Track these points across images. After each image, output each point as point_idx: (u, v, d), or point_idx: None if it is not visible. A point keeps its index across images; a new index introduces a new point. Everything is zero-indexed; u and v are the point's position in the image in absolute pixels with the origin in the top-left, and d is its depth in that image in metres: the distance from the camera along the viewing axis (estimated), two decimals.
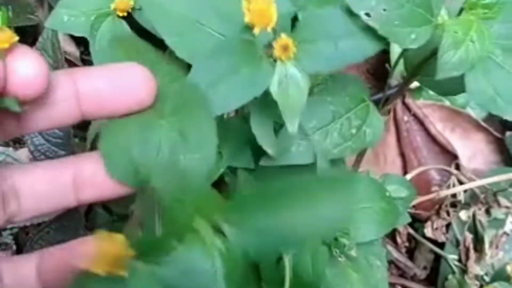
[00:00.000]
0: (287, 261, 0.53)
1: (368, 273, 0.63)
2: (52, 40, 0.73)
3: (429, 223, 0.87)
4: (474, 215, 0.84)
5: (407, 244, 0.89)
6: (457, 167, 0.91)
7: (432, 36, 0.47)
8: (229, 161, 0.57)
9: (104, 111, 0.39)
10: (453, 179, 0.89)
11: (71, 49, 0.88)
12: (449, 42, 0.44)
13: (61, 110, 0.38)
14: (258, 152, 0.55)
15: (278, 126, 0.53)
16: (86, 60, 0.90)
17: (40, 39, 0.75)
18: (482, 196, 0.85)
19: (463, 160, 0.92)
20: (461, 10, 0.48)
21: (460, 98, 0.95)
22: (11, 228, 0.76)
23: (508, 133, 0.93)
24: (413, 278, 0.89)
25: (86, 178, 0.41)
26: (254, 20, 0.42)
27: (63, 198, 0.41)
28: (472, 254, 0.82)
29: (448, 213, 0.87)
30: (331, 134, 0.53)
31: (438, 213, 0.87)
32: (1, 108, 0.34)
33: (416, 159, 0.92)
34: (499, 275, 0.79)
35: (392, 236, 0.89)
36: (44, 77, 0.35)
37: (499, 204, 0.83)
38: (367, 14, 0.44)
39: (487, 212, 0.84)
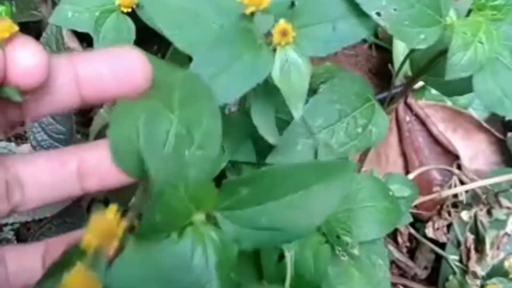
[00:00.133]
0: (288, 259, 0.53)
1: (370, 272, 0.63)
2: (56, 36, 0.73)
3: (430, 223, 0.87)
4: (475, 216, 0.84)
5: (408, 244, 0.89)
6: (459, 167, 0.91)
7: (441, 37, 0.47)
8: (231, 155, 0.57)
9: (103, 95, 0.39)
10: (455, 179, 0.89)
11: (75, 45, 0.87)
12: (458, 43, 0.44)
13: (62, 94, 0.38)
14: (262, 150, 0.55)
15: (286, 124, 0.53)
16: None
17: (44, 34, 0.75)
18: (483, 196, 0.85)
19: (465, 160, 0.92)
20: (469, 11, 0.48)
21: (462, 99, 0.95)
22: (12, 224, 0.76)
23: (510, 134, 0.93)
24: (414, 278, 0.89)
25: (90, 167, 0.41)
26: (247, 0, 0.42)
27: (68, 187, 0.41)
28: (473, 254, 0.82)
29: (449, 214, 0.87)
30: (337, 133, 0.53)
31: (439, 213, 0.87)
32: (2, 97, 0.34)
33: (418, 159, 0.92)
34: (496, 271, 0.80)
35: (393, 236, 0.89)
36: (44, 67, 0.35)
37: (500, 205, 0.83)
38: (378, 14, 0.44)
39: (489, 212, 0.84)
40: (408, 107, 0.94)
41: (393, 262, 0.87)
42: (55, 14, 0.67)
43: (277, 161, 0.53)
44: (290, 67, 0.44)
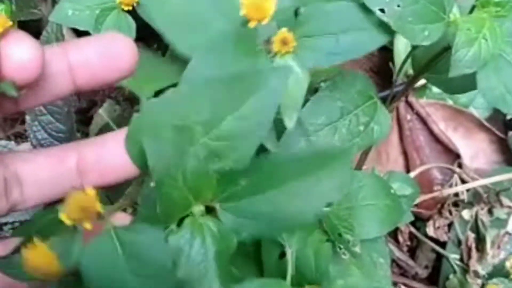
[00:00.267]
0: (289, 256, 0.53)
1: (371, 270, 0.63)
2: (56, 34, 0.72)
3: (431, 222, 0.87)
4: (476, 215, 0.84)
5: (408, 243, 0.89)
6: (460, 166, 0.91)
7: (444, 34, 0.47)
8: None
9: (94, 81, 0.40)
10: (456, 178, 0.89)
11: None
12: (462, 40, 0.44)
13: (57, 84, 0.38)
14: (264, 150, 0.55)
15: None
16: None
17: (44, 33, 0.74)
18: (484, 195, 0.85)
19: (466, 159, 0.92)
20: (472, 8, 0.48)
21: (463, 98, 0.95)
22: (12, 223, 0.76)
23: (511, 133, 0.92)
24: (415, 277, 0.89)
25: (90, 163, 0.41)
26: (250, 13, 0.42)
27: (67, 184, 0.40)
28: (474, 253, 0.82)
29: (450, 212, 0.87)
30: (339, 130, 0.53)
31: (440, 212, 0.87)
32: None
33: (419, 158, 0.92)
34: (497, 271, 0.80)
35: (394, 234, 0.89)
36: (39, 61, 0.35)
37: (501, 204, 0.83)
38: (381, 10, 0.44)
39: (489, 211, 0.84)
40: (409, 105, 0.94)
41: (393, 261, 0.87)
42: (55, 12, 0.67)
43: None
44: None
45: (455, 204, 0.88)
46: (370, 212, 0.62)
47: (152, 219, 0.37)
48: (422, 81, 0.87)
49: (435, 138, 0.93)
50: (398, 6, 0.44)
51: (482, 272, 0.81)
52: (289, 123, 0.44)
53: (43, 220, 0.38)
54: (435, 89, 0.94)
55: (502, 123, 0.96)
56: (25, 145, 0.79)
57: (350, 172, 0.38)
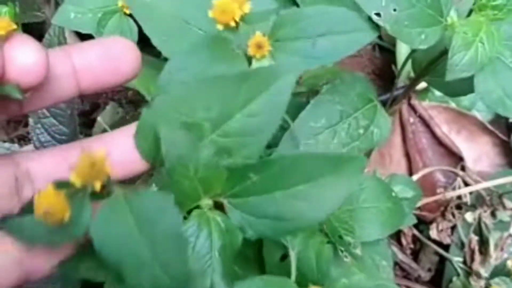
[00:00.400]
0: (293, 258, 0.53)
1: (373, 272, 0.63)
2: (58, 37, 0.73)
3: (434, 224, 0.87)
4: (479, 217, 0.84)
5: (412, 245, 0.89)
6: (463, 169, 0.91)
7: (441, 37, 0.47)
8: None
9: (98, 84, 0.40)
10: (459, 181, 0.89)
11: None
12: (459, 43, 0.44)
13: (61, 87, 0.39)
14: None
15: (282, 128, 0.53)
16: None
17: (46, 35, 0.75)
18: (487, 198, 0.84)
19: (469, 162, 0.91)
20: (470, 11, 0.48)
21: (466, 100, 0.95)
22: None
23: None
24: (418, 280, 0.88)
25: None
26: (216, 16, 0.42)
27: None
28: (477, 256, 0.81)
29: (453, 215, 0.87)
30: (339, 133, 0.53)
31: (443, 215, 0.87)
32: (2, 95, 0.35)
33: (421, 161, 0.92)
34: (499, 270, 0.79)
35: (397, 237, 0.89)
36: (43, 65, 0.35)
37: (504, 207, 0.83)
38: (377, 14, 0.44)
39: (493, 214, 0.84)
40: (412, 108, 0.94)
41: (396, 264, 0.87)
42: (58, 14, 0.68)
43: None
44: None
45: (458, 207, 0.88)
46: (371, 215, 0.62)
47: None
48: (425, 84, 0.87)
49: (438, 141, 0.93)
50: (394, 10, 0.44)
51: (485, 274, 0.81)
52: None
53: None
54: (438, 92, 0.94)
55: (505, 126, 0.95)
56: (28, 148, 0.79)
57: (358, 181, 0.38)
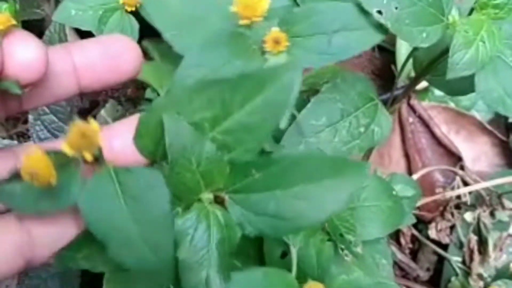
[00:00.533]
0: (294, 255, 0.53)
1: (373, 271, 0.63)
2: (59, 34, 0.73)
3: (433, 224, 0.87)
4: (478, 217, 0.84)
5: (410, 245, 0.89)
6: (462, 169, 0.91)
7: (443, 36, 0.47)
8: None
9: (98, 82, 0.40)
10: (458, 181, 0.89)
11: None
12: (460, 42, 0.44)
13: (61, 84, 0.39)
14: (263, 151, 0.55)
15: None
16: None
17: (46, 32, 0.75)
18: (487, 198, 0.85)
19: (467, 162, 0.92)
20: (471, 10, 0.48)
21: (465, 100, 0.95)
22: None
23: None
24: (416, 280, 0.88)
25: None
26: (240, 11, 0.42)
27: None
28: (476, 256, 0.81)
29: (452, 215, 0.87)
30: (340, 132, 0.53)
31: (442, 215, 0.87)
32: (1, 89, 0.35)
33: (421, 161, 0.92)
34: (502, 273, 0.79)
35: (396, 237, 0.89)
36: (43, 61, 0.35)
37: (503, 207, 0.83)
38: (379, 12, 0.44)
39: (492, 214, 0.84)
40: (411, 108, 0.94)
41: (395, 263, 0.87)
42: (58, 11, 0.67)
43: None
44: None
45: (457, 207, 0.88)
46: (372, 213, 0.62)
47: None
48: (424, 84, 0.88)
49: (437, 141, 0.93)
50: (396, 8, 0.44)
51: (484, 274, 0.81)
52: (282, 123, 0.45)
53: None
54: (437, 92, 0.95)
55: (504, 126, 0.96)
56: (28, 144, 0.79)
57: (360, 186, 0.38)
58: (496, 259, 0.81)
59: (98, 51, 0.39)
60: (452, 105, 0.95)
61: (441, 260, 0.88)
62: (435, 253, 0.88)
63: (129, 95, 0.86)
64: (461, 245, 0.85)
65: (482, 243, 0.83)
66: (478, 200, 0.86)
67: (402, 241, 0.89)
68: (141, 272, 0.38)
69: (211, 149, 0.38)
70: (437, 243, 0.87)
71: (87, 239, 0.38)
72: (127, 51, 0.40)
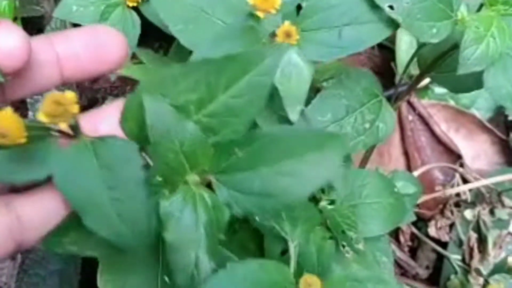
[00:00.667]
0: (292, 251, 0.53)
1: (374, 268, 0.63)
2: (60, 30, 0.72)
3: (433, 222, 0.87)
4: (478, 215, 0.84)
5: (410, 243, 0.89)
6: (461, 166, 0.91)
7: (450, 32, 0.47)
8: None
9: (82, 72, 0.40)
10: (458, 178, 0.89)
11: None
12: (471, 37, 0.44)
13: (43, 74, 0.38)
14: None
15: (289, 122, 0.53)
16: None
17: (47, 28, 0.74)
18: (487, 195, 0.85)
19: (467, 160, 0.92)
20: (480, 6, 0.48)
21: (465, 99, 0.95)
22: None
23: None
24: (415, 278, 0.89)
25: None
26: (258, 3, 0.42)
27: None
28: (476, 254, 0.82)
29: (452, 213, 0.87)
30: (345, 128, 0.53)
31: (442, 212, 0.87)
32: None
33: (420, 159, 0.92)
34: (499, 267, 0.80)
35: (395, 235, 0.89)
36: (25, 49, 0.35)
37: (503, 205, 0.83)
38: (390, 7, 0.44)
39: (491, 212, 0.84)
40: (411, 106, 0.94)
41: (394, 261, 0.87)
42: (59, 7, 0.67)
43: None
44: (291, 70, 0.44)
45: (457, 205, 0.88)
46: (373, 210, 0.62)
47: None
48: (424, 82, 0.88)
49: (437, 139, 0.93)
50: (407, 3, 0.44)
51: (484, 272, 0.81)
52: (292, 116, 0.45)
53: None
54: (437, 90, 0.95)
55: (504, 125, 0.96)
56: None
57: (343, 157, 0.38)
58: (496, 257, 0.81)
59: (82, 41, 0.39)
60: (452, 103, 0.95)
61: (440, 258, 0.88)
62: (435, 251, 0.88)
63: (128, 92, 0.85)
64: (460, 243, 0.85)
65: (482, 241, 0.83)
66: (478, 198, 0.87)
67: (401, 239, 0.89)
68: (118, 247, 0.38)
69: (193, 129, 0.38)
70: (437, 241, 0.87)
71: (73, 223, 0.38)
72: (112, 42, 0.39)
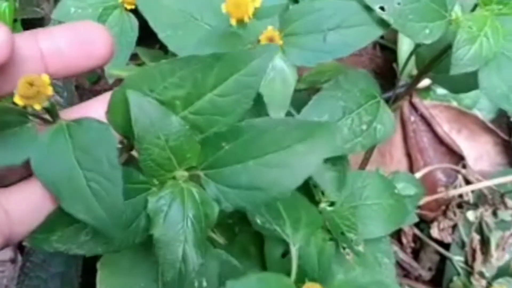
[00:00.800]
0: (293, 253, 0.53)
1: (376, 270, 0.62)
2: None
3: (435, 223, 0.87)
4: (481, 216, 0.84)
5: (412, 244, 0.89)
6: (464, 167, 0.90)
7: (446, 32, 0.47)
8: None
9: (67, 69, 0.39)
10: (460, 180, 0.89)
11: None
12: (464, 38, 0.44)
13: (27, 70, 0.38)
14: None
15: None
16: None
17: None
18: (489, 196, 0.84)
19: (469, 161, 0.91)
20: (475, 6, 0.47)
21: (467, 99, 0.95)
22: None
23: None
24: (418, 279, 0.88)
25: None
26: (230, 10, 0.42)
27: None
28: (479, 255, 0.81)
29: (454, 214, 0.86)
30: (341, 129, 0.53)
31: (444, 214, 0.87)
32: None
33: (423, 160, 0.92)
34: (503, 271, 0.79)
35: (397, 236, 0.89)
36: (8, 44, 0.35)
37: (506, 206, 0.83)
38: (382, 8, 0.44)
39: (494, 213, 0.84)
40: (413, 107, 0.93)
41: (397, 263, 0.87)
42: (57, 9, 0.67)
43: None
44: (275, 76, 0.44)
45: (460, 206, 0.88)
46: (374, 212, 0.61)
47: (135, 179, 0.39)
48: (426, 83, 0.87)
49: (439, 140, 0.93)
50: (398, 4, 0.44)
51: (486, 274, 0.80)
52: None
53: None
54: (439, 91, 0.94)
55: (506, 125, 0.95)
56: None
57: (332, 148, 0.38)
58: (499, 258, 0.81)
59: (66, 37, 0.39)
60: (454, 103, 0.94)
61: (443, 259, 0.88)
62: (437, 252, 0.87)
63: None
64: (463, 245, 0.85)
65: (485, 242, 0.83)
66: (481, 199, 0.86)
67: (404, 240, 0.89)
68: (96, 230, 0.38)
69: (179, 123, 0.38)
70: (439, 242, 0.87)
71: (60, 220, 0.38)
72: (97, 38, 0.39)
